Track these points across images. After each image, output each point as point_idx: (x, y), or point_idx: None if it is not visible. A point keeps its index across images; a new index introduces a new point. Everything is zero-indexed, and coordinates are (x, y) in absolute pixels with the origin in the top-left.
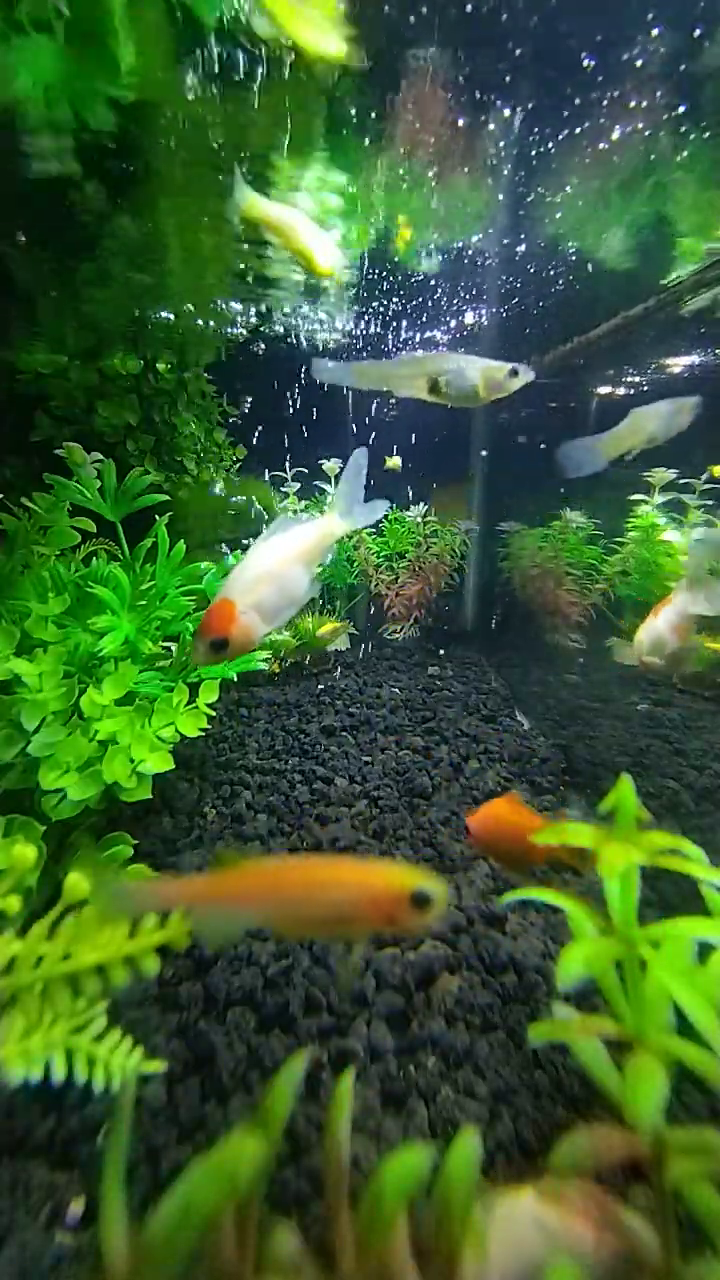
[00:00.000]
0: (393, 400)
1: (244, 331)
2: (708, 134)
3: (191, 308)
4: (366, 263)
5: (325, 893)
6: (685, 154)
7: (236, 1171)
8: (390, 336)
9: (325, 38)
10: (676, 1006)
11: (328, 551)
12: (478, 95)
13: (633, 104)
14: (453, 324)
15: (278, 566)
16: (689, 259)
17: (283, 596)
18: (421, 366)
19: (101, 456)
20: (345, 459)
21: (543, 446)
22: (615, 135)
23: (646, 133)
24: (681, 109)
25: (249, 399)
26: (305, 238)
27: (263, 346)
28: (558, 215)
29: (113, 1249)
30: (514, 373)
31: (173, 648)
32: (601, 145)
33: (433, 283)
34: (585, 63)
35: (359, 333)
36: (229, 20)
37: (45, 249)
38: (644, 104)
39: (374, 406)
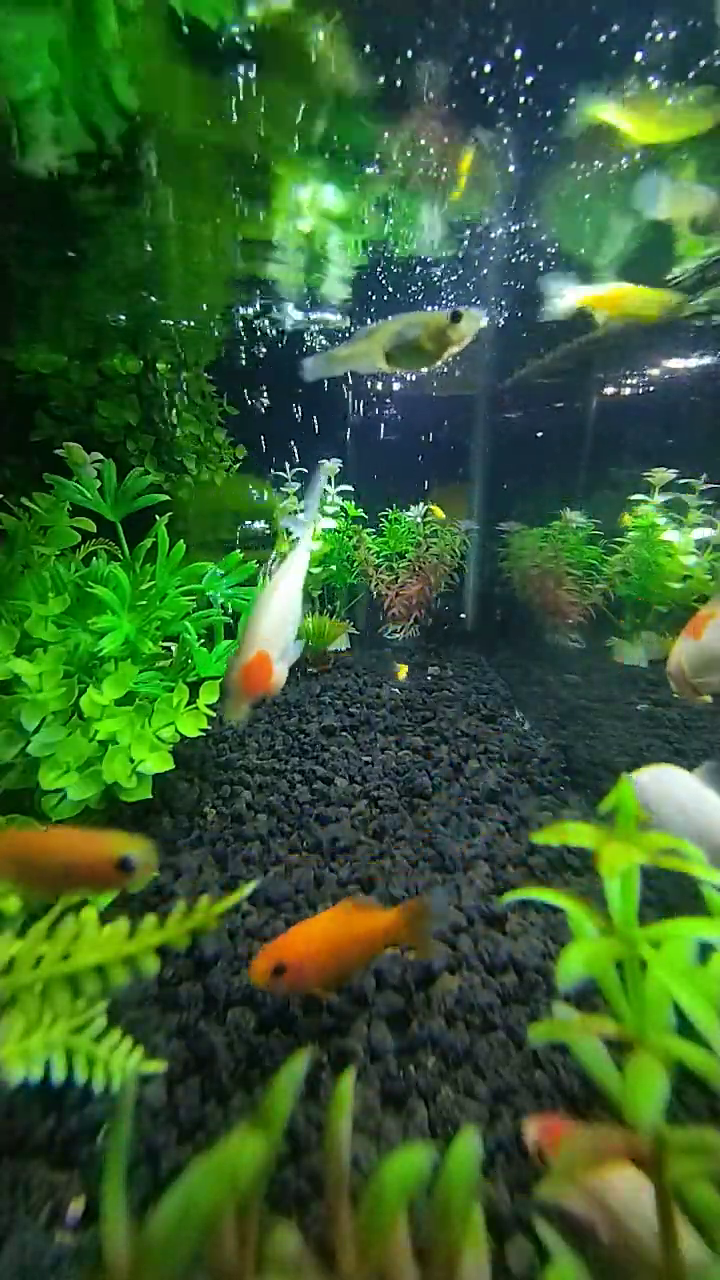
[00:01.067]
0: (390, 399)
1: (243, 332)
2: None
3: (202, 308)
4: (368, 261)
5: (44, 859)
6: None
7: (237, 1171)
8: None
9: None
10: (677, 1006)
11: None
12: (477, 91)
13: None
14: None
15: (291, 605)
16: (691, 254)
17: (292, 633)
18: (373, 336)
19: (101, 456)
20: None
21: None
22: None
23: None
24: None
25: (249, 399)
26: (633, 302)
27: (263, 349)
28: (559, 213)
29: (113, 1248)
30: (455, 317)
31: (173, 648)
32: (604, 139)
33: (433, 281)
34: (588, 53)
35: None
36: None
37: (45, 248)
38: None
39: (373, 406)
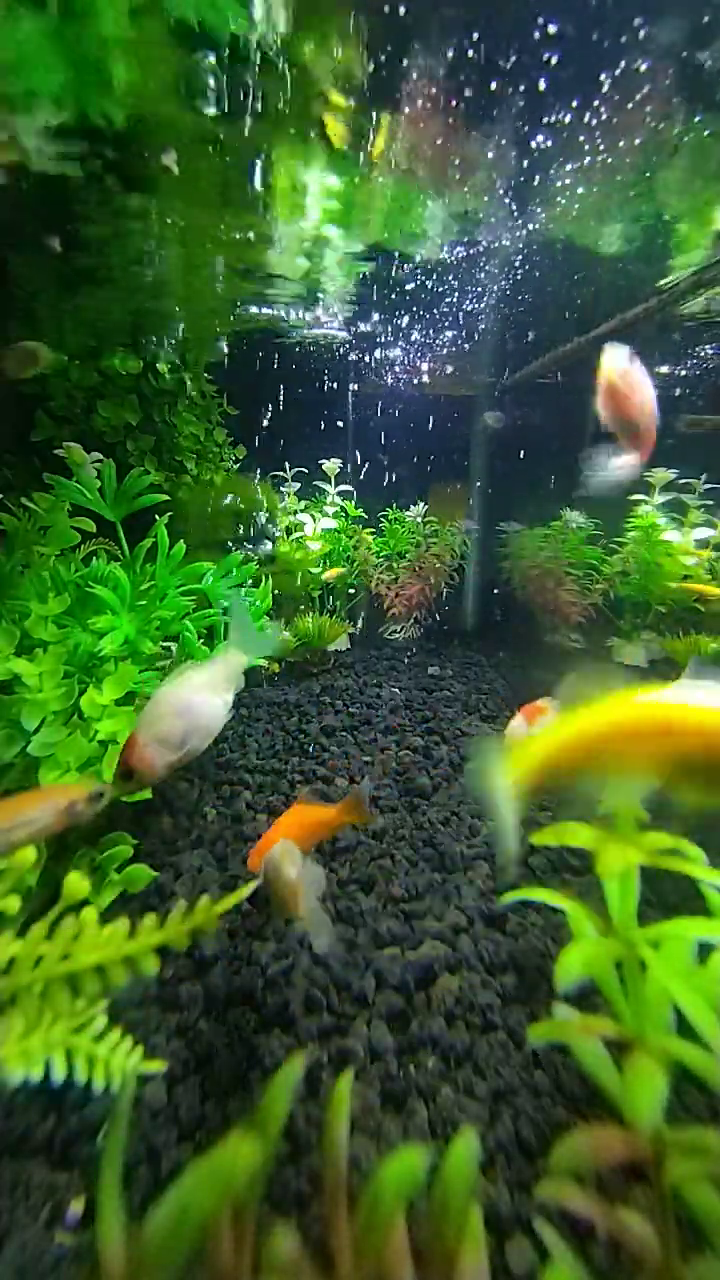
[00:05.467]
0: (389, 399)
1: (243, 330)
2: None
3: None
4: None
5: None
6: (688, 141)
7: (233, 1174)
8: (388, 336)
9: None
10: (676, 1007)
11: (238, 678)
12: (478, 93)
13: (636, 96)
14: (452, 324)
15: (183, 697)
16: (688, 248)
17: (189, 724)
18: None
19: (101, 456)
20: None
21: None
22: (618, 129)
23: (650, 125)
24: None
25: (250, 399)
26: None
27: (262, 350)
28: (558, 214)
29: (109, 1251)
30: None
31: (173, 648)
32: (603, 140)
33: (431, 282)
34: (588, 55)
35: (358, 333)
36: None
37: (45, 249)
38: (648, 96)
39: (374, 407)
